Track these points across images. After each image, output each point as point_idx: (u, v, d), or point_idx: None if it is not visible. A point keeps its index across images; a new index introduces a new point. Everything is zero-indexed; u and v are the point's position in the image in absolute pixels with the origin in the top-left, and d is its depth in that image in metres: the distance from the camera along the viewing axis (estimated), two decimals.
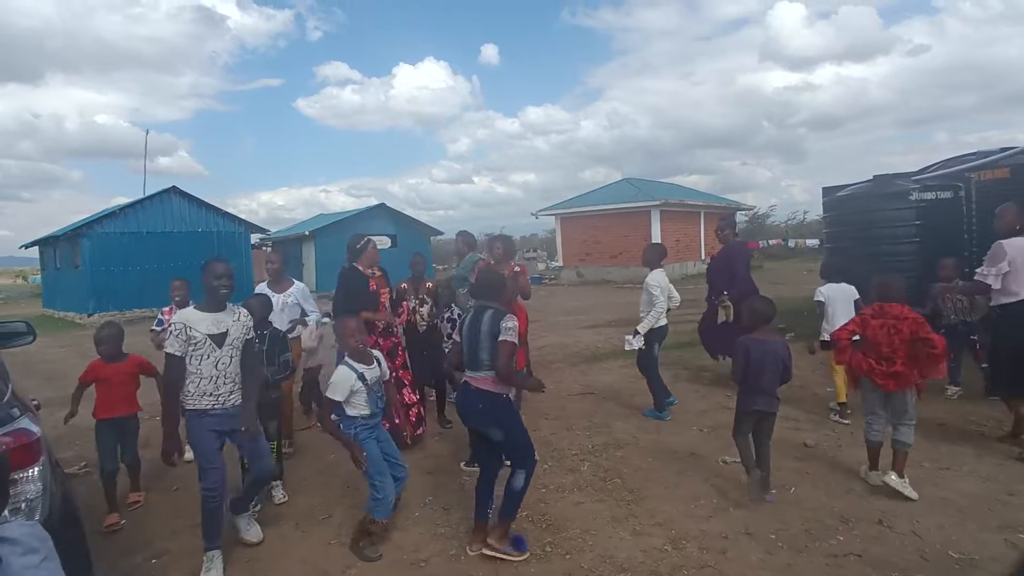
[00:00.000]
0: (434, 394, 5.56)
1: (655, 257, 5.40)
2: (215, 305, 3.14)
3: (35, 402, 2.98)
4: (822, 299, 5.20)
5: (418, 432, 4.90)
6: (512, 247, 5.58)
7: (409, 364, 5.13)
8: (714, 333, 6.15)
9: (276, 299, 4.68)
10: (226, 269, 3.17)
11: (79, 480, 4.51)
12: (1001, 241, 4.24)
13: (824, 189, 9.17)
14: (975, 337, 5.36)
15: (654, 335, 5.32)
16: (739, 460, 3.84)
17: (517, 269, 5.09)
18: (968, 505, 3.46)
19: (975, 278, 4.35)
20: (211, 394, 3.08)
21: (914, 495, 3.52)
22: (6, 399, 2.09)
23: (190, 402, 3.09)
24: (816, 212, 31.40)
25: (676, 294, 5.46)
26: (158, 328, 4.91)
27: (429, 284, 5.50)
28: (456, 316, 5.42)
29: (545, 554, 3.17)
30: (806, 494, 3.71)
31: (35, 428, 2.01)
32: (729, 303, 5.82)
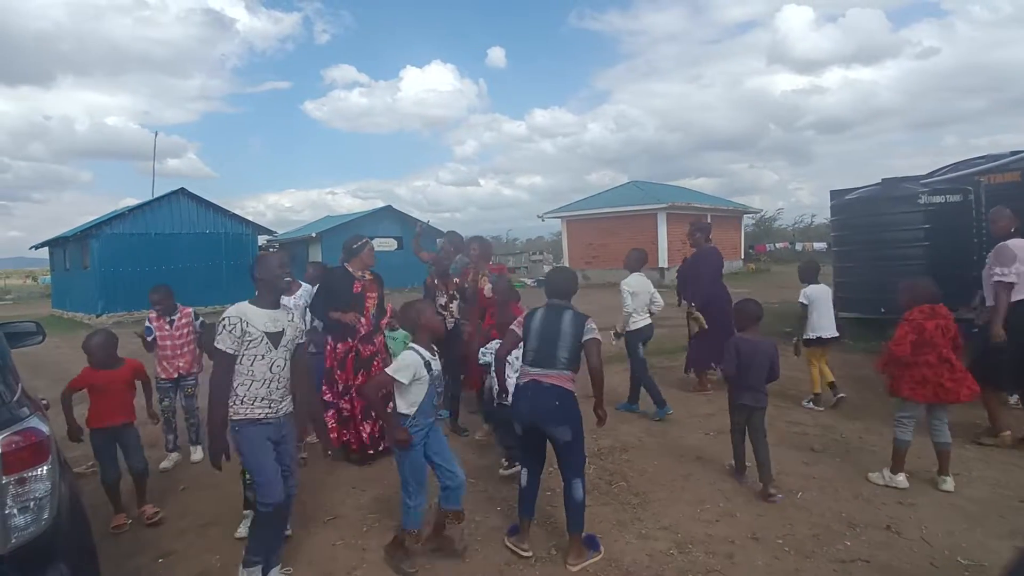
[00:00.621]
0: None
1: (637, 262, 5.60)
2: (272, 301, 2.89)
3: (44, 401, 3.00)
4: (806, 301, 5.45)
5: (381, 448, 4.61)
6: (488, 248, 5.56)
7: None
8: (699, 347, 6.14)
9: (286, 301, 4.66)
10: (285, 259, 2.96)
11: (86, 479, 4.53)
12: (1005, 243, 4.30)
13: (832, 192, 9.13)
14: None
15: (639, 336, 5.48)
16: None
17: (500, 273, 5.16)
18: (977, 511, 3.43)
19: (995, 280, 4.32)
20: (264, 399, 2.83)
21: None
22: (16, 398, 2.10)
23: (241, 410, 2.80)
24: (824, 215, 31.28)
25: (659, 298, 5.62)
26: (148, 337, 4.80)
27: (456, 280, 5.36)
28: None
29: (551, 557, 3.16)
30: (813, 499, 3.69)
31: (44, 427, 2.02)
32: (698, 313, 5.93)
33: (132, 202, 20.57)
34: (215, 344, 2.78)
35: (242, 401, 2.80)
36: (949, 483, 3.68)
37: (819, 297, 5.44)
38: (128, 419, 3.84)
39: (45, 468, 1.96)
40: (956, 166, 8.32)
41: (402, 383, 2.95)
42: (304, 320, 4.75)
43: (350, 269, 4.62)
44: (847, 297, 8.67)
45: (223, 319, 2.79)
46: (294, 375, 2.97)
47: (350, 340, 4.53)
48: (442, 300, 5.21)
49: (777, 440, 4.70)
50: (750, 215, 32.52)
